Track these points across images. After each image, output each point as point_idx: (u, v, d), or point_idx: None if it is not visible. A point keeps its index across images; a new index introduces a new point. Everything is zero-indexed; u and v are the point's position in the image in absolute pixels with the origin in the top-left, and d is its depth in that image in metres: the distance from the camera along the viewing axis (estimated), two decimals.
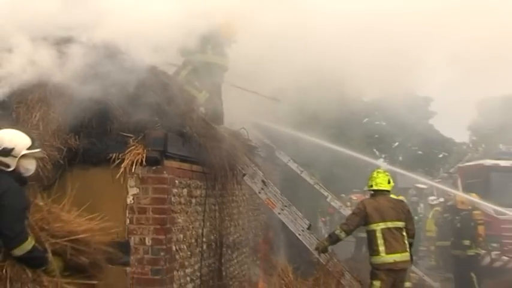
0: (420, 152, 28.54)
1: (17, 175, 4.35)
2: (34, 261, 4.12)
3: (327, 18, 8.63)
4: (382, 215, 7.53)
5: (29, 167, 4.44)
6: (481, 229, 12.03)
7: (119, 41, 5.28)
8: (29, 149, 4.39)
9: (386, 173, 7.98)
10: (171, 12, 5.70)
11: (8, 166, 4.33)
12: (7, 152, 4.31)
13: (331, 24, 8.72)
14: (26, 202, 4.23)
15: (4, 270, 4.05)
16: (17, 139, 4.40)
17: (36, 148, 4.49)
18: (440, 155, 29.20)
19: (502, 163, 15.20)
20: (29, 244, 4.10)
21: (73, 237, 4.39)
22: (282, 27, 8.20)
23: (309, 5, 8.26)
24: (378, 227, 7.50)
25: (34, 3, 5.06)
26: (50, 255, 4.15)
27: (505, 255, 13.56)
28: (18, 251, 4.08)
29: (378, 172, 8.02)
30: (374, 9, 8.52)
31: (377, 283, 7.42)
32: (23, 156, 4.36)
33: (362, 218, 7.61)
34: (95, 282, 4.53)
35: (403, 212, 7.73)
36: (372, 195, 7.86)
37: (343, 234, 7.67)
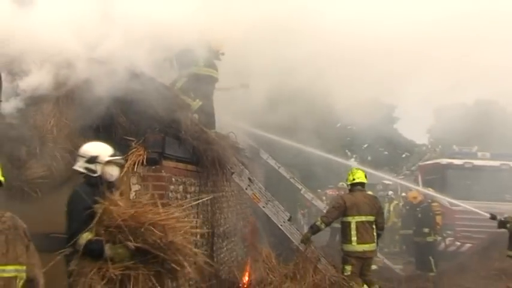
0: (386, 153, 28.75)
1: (94, 180, 4.36)
2: (92, 253, 4.04)
3: (302, 35, 8.60)
4: (358, 210, 7.62)
5: (113, 172, 4.47)
6: (438, 219, 12.18)
7: (123, 56, 5.25)
8: (110, 156, 4.45)
9: (363, 170, 8.20)
10: (170, 28, 5.68)
11: (94, 172, 4.37)
12: (93, 159, 4.38)
13: (304, 41, 8.70)
14: (87, 203, 4.16)
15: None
16: (100, 148, 4.48)
17: (117, 156, 4.53)
18: (403, 155, 29.41)
19: (456, 162, 15.36)
20: (83, 240, 4.05)
21: (125, 225, 4.11)
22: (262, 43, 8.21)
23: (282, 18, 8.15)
24: (354, 219, 7.59)
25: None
26: (108, 245, 4.04)
27: (457, 241, 13.72)
28: (77, 246, 4.06)
29: (356, 169, 8.23)
30: (343, 24, 8.44)
31: (348, 267, 7.52)
32: (107, 163, 4.40)
33: (341, 212, 7.70)
34: (158, 269, 4.18)
35: (375, 208, 7.84)
36: (350, 190, 7.95)
37: (323, 226, 7.77)
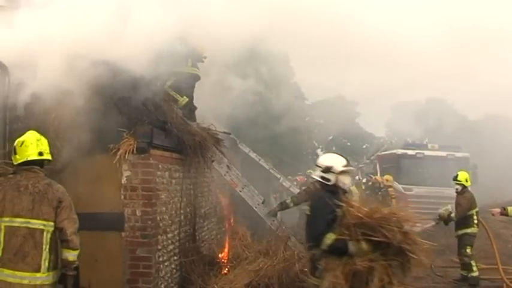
0: (349, 144, 29.08)
1: (333, 188, 4.37)
2: (337, 251, 4.09)
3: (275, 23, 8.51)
4: None
5: (345, 181, 4.44)
6: (394, 202, 12.43)
7: (117, 57, 5.25)
8: (343, 167, 4.43)
9: None
10: (163, 32, 5.70)
11: (329, 180, 4.37)
12: (328, 169, 4.38)
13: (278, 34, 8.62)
14: (332, 208, 4.18)
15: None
16: (334, 160, 4.49)
17: (350, 167, 4.52)
18: (364, 146, 29.80)
19: (409, 152, 15.74)
20: (328, 239, 4.09)
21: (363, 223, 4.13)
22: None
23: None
24: None
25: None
26: (351, 242, 4.05)
27: None
28: (323, 246, 4.11)
29: None
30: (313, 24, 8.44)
31: None
32: (340, 172, 4.39)
33: (309, 195, 7.78)
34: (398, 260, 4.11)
35: None
36: None
37: (291, 204, 7.90)
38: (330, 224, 4.15)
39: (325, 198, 4.27)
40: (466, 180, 8.50)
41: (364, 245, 4.06)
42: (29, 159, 4.00)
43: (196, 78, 8.24)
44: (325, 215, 4.17)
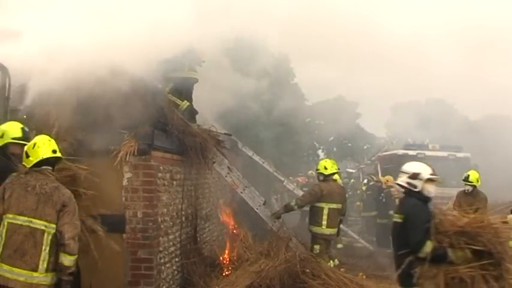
0: (350, 144, 28.97)
1: (420, 195, 4.38)
2: (437, 258, 4.12)
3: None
4: (332, 198, 7.73)
5: (431, 189, 4.44)
6: (397, 202, 12.38)
7: (118, 59, 5.25)
8: (430, 175, 4.43)
9: (334, 161, 8.21)
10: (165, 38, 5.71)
11: (415, 187, 4.38)
12: (415, 176, 4.38)
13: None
14: (428, 216, 4.23)
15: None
16: (421, 166, 4.50)
17: (435, 176, 4.48)
18: (365, 147, 29.72)
19: (410, 152, 15.67)
20: (427, 247, 4.13)
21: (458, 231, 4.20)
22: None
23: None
24: (327, 206, 7.68)
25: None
26: (449, 249, 4.11)
27: None
28: (422, 253, 4.14)
29: (332, 162, 8.12)
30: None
31: (317, 246, 7.68)
32: (427, 180, 4.40)
33: (315, 199, 7.74)
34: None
35: (343, 196, 8.03)
36: (324, 180, 7.86)
37: (296, 207, 7.90)
38: (427, 232, 4.19)
39: (420, 205, 4.31)
40: (477, 181, 8.44)
41: (461, 253, 4.10)
42: (44, 157, 4.10)
43: (194, 81, 8.25)
44: (422, 223, 4.20)
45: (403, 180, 4.48)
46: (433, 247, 4.13)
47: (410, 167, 4.52)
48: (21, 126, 4.49)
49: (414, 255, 4.19)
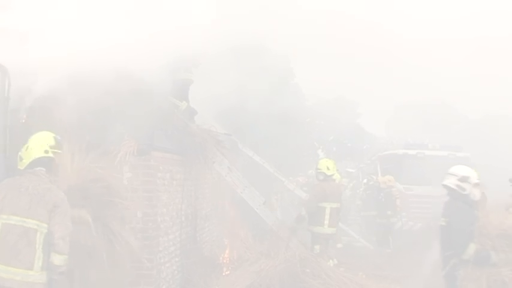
0: (349, 144, 28.98)
1: (466, 198, 4.44)
2: (480, 260, 4.19)
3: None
4: (334, 197, 7.78)
5: (477, 193, 4.53)
6: (398, 202, 12.43)
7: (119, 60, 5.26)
8: (476, 179, 4.54)
9: (334, 162, 8.25)
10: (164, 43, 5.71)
11: (464, 190, 4.45)
12: (464, 179, 4.46)
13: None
14: (472, 220, 4.29)
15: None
16: (469, 170, 4.59)
17: (476, 179, 4.55)
18: (365, 147, 29.73)
19: (410, 152, 15.70)
20: (471, 249, 4.20)
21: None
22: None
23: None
24: (329, 205, 7.72)
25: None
26: (492, 252, 4.20)
27: (410, 221, 14.05)
28: (466, 256, 4.20)
29: (333, 163, 8.18)
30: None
31: (317, 246, 7.70)
32: (475, 184, 4.48)
33: (320, 199, 7.78)
34: None
35: (341, 195, 8.08)
36: (325, 180, 7.92)
37: (306, 214, 7.90)
38: (471, 235, 4.26)
39: (465, 209, 4.37)
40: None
41: (504, 256, 4.19)
42: (36, 157, 4.17)
43: (190, 82, 8.24)
44: (467, 226, 4.28)
45: (451, 182, 4.52)
46: (476, 249, 4.20)
47: (459, 169, 4.58)
48: (53, 135, 4.48)
49: (458, 258, 4.25)
